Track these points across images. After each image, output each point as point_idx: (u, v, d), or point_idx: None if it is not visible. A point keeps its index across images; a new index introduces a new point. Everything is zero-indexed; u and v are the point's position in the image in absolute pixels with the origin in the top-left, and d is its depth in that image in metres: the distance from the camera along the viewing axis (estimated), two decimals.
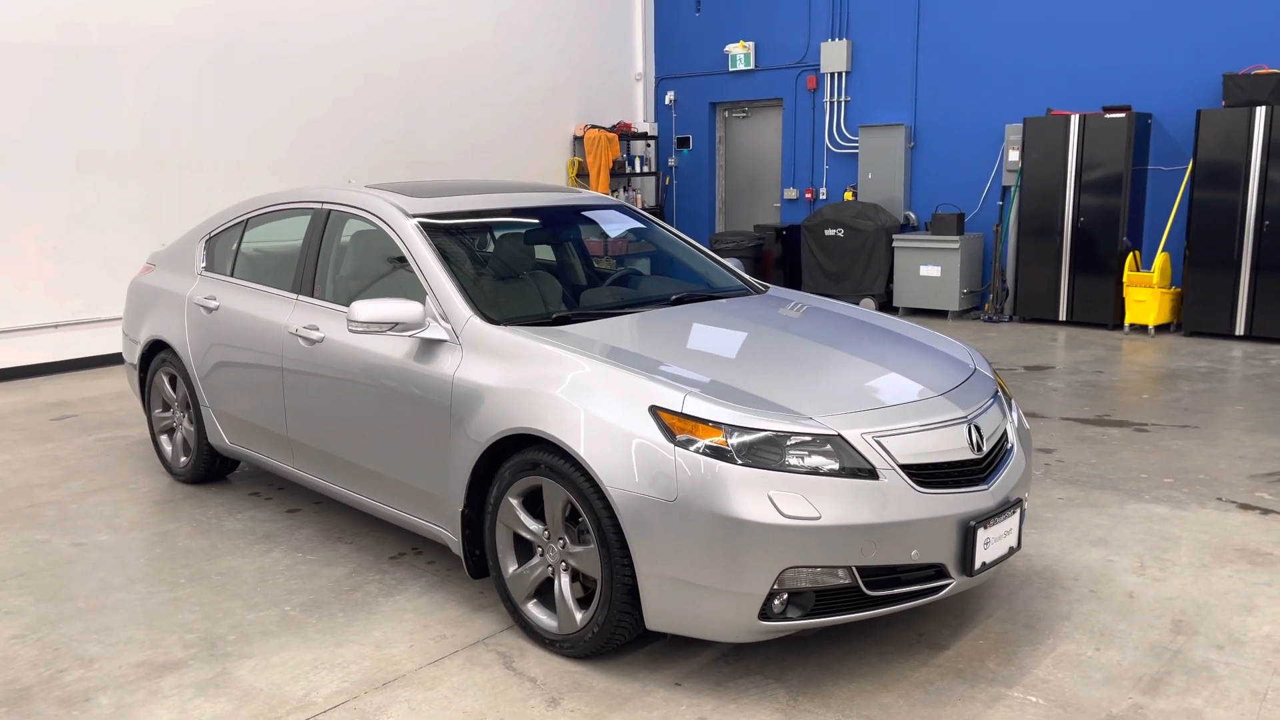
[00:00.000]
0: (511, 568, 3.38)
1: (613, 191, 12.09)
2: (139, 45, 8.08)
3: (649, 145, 12.72)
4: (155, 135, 8.28)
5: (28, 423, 6.40)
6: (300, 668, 3.23)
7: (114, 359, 8.18)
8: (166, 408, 5.17)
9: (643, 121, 12.71)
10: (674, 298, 4.12)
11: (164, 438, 5.22)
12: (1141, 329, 9.17)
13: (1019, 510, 3.25)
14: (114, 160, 8.06)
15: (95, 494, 4.98)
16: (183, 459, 5.11)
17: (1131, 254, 9.12)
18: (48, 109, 7.67)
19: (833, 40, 11.16)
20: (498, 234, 4.36)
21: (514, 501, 3.30)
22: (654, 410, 2.98)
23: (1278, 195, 8.27)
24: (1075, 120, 9.19)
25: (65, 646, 3.40)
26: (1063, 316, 9.53)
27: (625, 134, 12.16)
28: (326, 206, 4.37)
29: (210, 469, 5.00)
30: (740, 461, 2.85)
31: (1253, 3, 8.73)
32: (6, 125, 7.47)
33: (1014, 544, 3.25)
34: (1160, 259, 8.91)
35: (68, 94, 7.75)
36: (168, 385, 5.09)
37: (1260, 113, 8.26)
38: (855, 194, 11.15)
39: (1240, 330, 8.58)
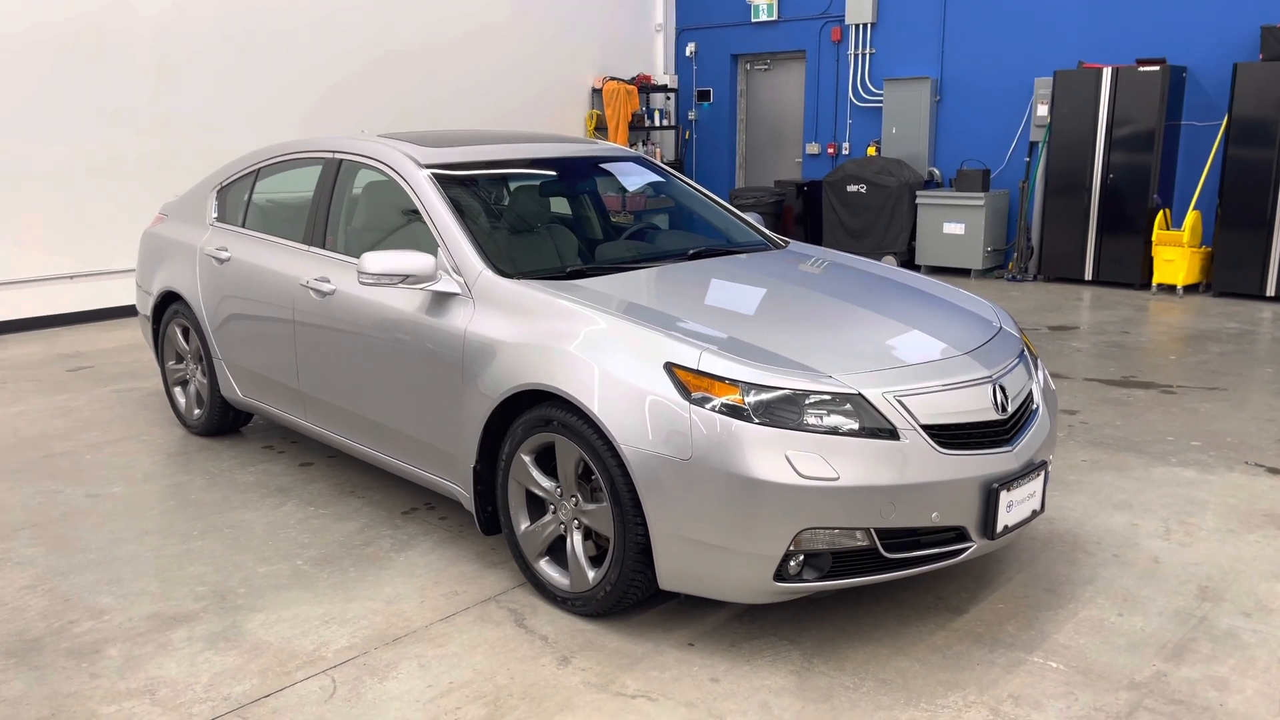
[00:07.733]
0: (523, 525, 3.34)
1: (631, 145, 11.92)
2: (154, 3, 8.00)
3: (669, 98, 12.50)
4: (169, 90, 8.18)
5: (42, 374, 6.40)
6: (310, 622, 3.21)
7: (128, 311, 8.16)
8: (179, 360, 5.14)
9: (663, 74, 12.48)
10: (692, 252, 4.02)
11: (177, 390, 5.20)
12: (1170, 289, 8.98)
13: (1043, 472, 3.16)
14: (128, 115, 7.99)
15: (109, 445, 4.97)
16: (196, 411, 5.09)
17: (1161, 212, 8.91)
18: (64, 65, 7.57)
19: None
20: (512, 186, 4.26)
21: (526, 458, 3.25)
22: (669, 367, 2.90)
23: None
24: (1107, 73, 8.94)
25: (76, 598, 3.39)
26: (1089, 276, 9.35)
27: (645, 86, 11.95)
28: (338, 156, 4.28)
29: (223, 422, 4.98)
30: (757, 420, 2.78)
31: None
32: (25, 82, 7.40)
33: (1037, 507, 3.18)
34: (1191, 217, 8.70)
35: (85, 52, 7.66)
36: (180, 337, 5.05)
37: None
38: (879, 149, 10.94)
39: (1271, 291, 8.39)
